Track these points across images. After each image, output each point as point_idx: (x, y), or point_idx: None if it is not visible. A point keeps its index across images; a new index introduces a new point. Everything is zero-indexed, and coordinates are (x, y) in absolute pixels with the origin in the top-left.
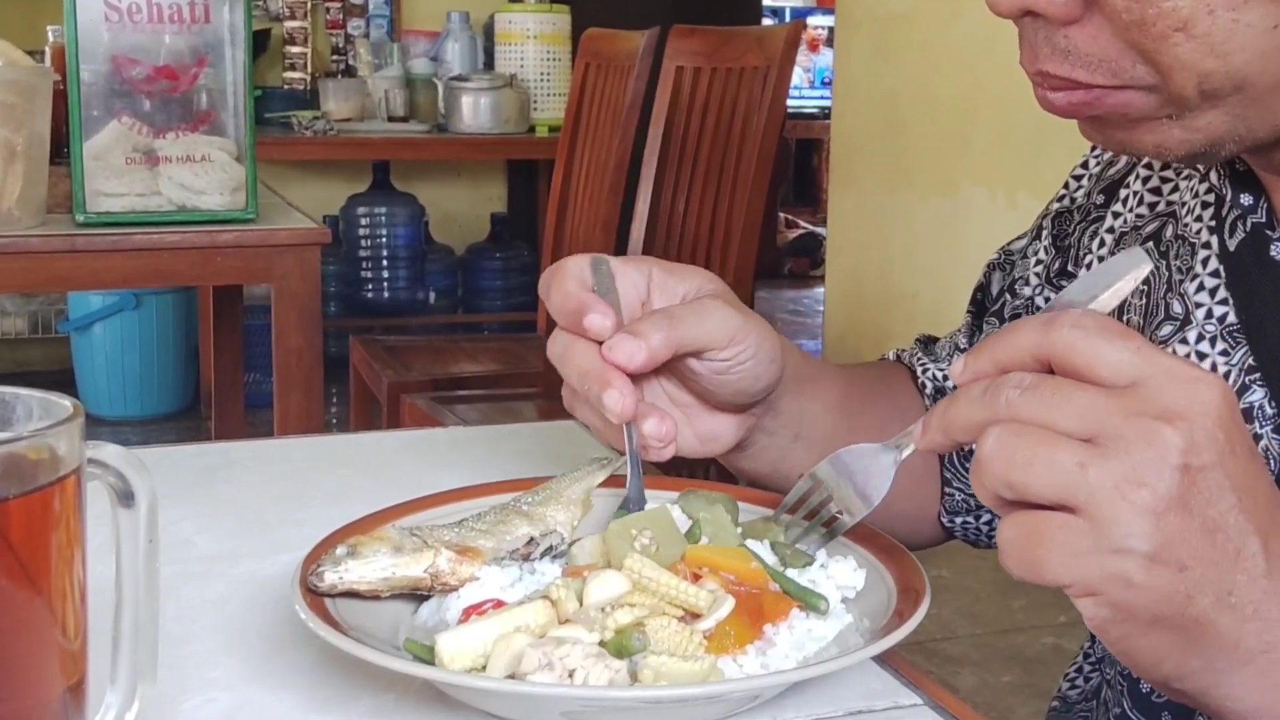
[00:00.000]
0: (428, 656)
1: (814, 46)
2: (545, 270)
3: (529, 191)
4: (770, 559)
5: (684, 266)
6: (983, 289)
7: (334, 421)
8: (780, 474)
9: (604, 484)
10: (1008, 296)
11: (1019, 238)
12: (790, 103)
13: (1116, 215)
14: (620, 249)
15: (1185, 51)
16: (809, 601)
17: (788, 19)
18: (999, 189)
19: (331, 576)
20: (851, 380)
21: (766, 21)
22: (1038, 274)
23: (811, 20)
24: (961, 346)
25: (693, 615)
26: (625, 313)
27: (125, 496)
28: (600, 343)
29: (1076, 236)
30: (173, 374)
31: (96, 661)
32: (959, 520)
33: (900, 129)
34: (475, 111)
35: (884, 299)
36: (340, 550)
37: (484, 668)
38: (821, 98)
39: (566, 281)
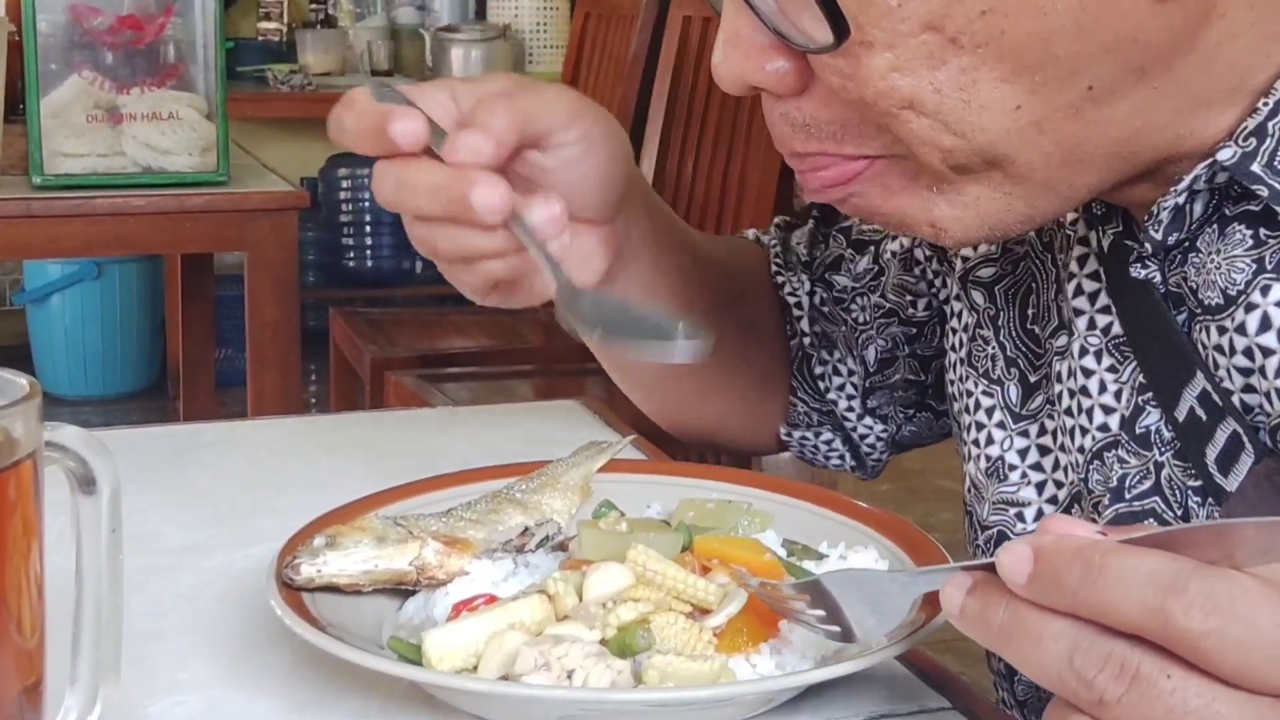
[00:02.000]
0: (414, 656)
1: None
2: (330, 115)
3: None
4: (782, 551)
5: (482, 75)
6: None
7: (313, 401)
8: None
9: (605, 469)
10: (873, 248)
11: None
12: None
13: None
14: None
15: (920, 128)
16: None
17: None
18: None
19: (308, 569)
20: (711, 258)
21: None
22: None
23: None
24: (802, 258)
25: (702, 611)
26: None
27: (86, 482)
28: (426, 155)
29: None
30: (137, 350)
31: (55, 661)
32: (797, 435)
33: None
34: (466, 65)
35: None
36: (318, 541)
37: (475, 668)
38: None
39: (356, 103)
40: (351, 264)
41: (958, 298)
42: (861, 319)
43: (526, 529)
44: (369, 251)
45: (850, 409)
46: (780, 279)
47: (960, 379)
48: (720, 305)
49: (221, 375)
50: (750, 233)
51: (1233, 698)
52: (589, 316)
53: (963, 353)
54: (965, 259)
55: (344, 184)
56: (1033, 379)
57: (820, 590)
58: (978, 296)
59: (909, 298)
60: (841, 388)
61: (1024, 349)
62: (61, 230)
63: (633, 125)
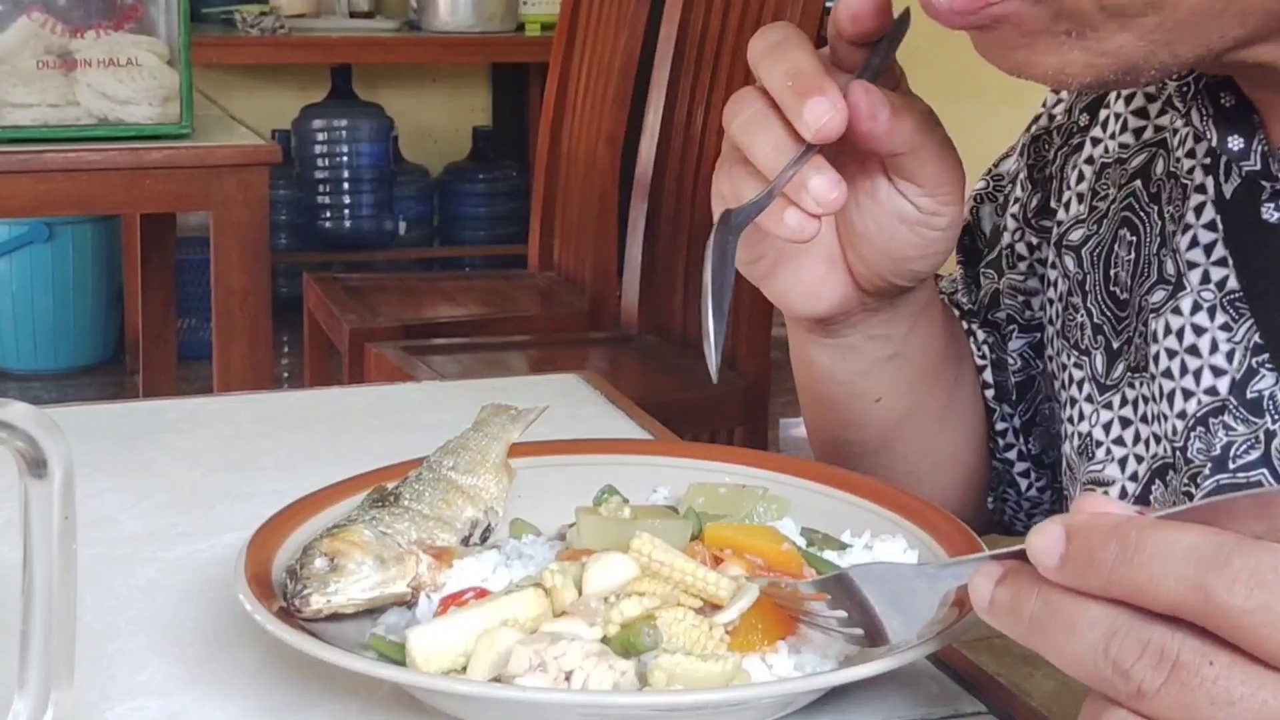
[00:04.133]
0: (397, 656)
1: None
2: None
3: (517, 101)
4: (801, 540)
5: (918, 96)
6: (971, 229)
7: (285, 376)
8: (854, 390)
9: (606, 449)
10: (1003, 239)
11: (1006, 154)
12: None
13: (1096, 142)
14: (627, 167)
15: None
16: None
17: None
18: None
19: (318, 600)
20: (949, 311)
21: None
22: (1015, 215)
23: None
24: (964, 307)
25: (713, 606)
26: None
27: (36, 465)
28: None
29: (1057, 165)
30: (92, 319)
31: (2, 662)
32: (1000, 490)
33: None
34: (453, 5)
35: None
36: (319, 564)
37: (464, 669)
38: None
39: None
40: (328, 225)
41: (1053, 265)
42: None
43: (475, 523)
44: (347, 211)
45: (1024, 471)
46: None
47: (1056, 353)
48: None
49: (184, 347)
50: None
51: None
52: (723, 254)
53: (1058, 324)
54: (1060, 222)
55: (319, 137)
56: (1115, 345)
57: (842, 587)
58: (1069, 262)
59: (1020, 298)
60: (1007, 440)
61: (1109, 314)
62: (8, 188)
63: (637, 72)
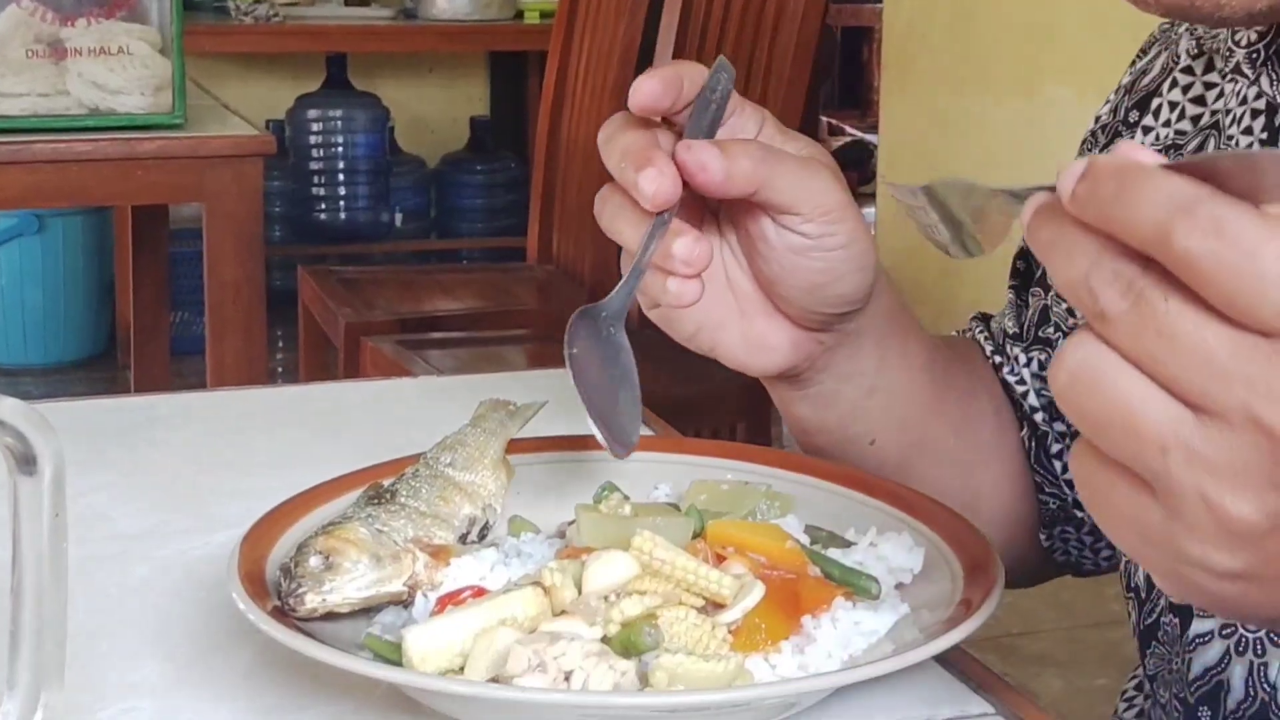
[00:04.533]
0: (393, 656)
1: None
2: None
3: (516, 91)
4: (804, 538)
5: (795, 134)
6: (1025, 254)
7: (280, 370)
8: (846, 435)
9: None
10: None
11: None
12: None
13: (1148, 130)
14: None
15: None
16: (857, 587)
17: None
18: (1089, 89)
19: (314, 600)
20: (935, 342)
21: None
22: None
23: None
24: (1010, 331)
25: (715, 605)
26: None
27: (25, 461)
28: (657, 125)
29: None
30: (83, 313)
31: None
32: (1056, 532)
33: (970, 15)
34: None
35: None
36: (314, 563)
37: (461, 669)
38: None
39: (667, 68)
40: (323, 216)
41: None
42: None
43: (473, 521)
44: (342, 202)
45: None
46: (998, 360)
47: None
48: (960, 406)
49: (177, 342)
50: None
51: (1223, 331)
52: (591, 350)
53: None
54: None
55: (314, 127)
56: None
57: (924, 198)
58: None
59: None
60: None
61: None
62: None
63: (638, 61)
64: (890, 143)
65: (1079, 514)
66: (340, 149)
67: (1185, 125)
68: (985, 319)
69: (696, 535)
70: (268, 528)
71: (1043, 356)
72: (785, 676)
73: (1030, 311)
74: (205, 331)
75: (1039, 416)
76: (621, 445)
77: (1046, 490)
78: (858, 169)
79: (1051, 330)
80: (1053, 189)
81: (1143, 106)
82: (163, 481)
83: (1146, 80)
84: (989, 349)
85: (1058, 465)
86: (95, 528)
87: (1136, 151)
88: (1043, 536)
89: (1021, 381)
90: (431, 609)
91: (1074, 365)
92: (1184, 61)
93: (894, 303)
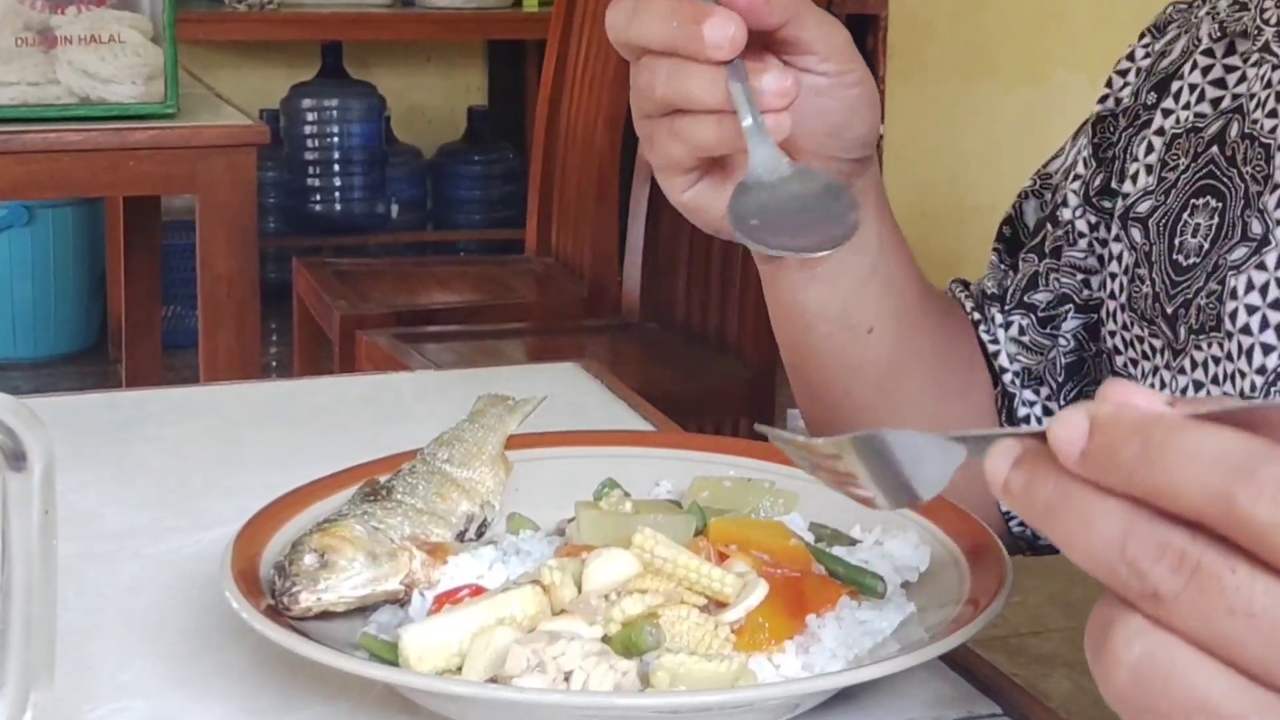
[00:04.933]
0: (389, 655)
1: None
2: None
3: (514, 80)
4: (809, 536)
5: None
6: (1012, 221)
7: (274, 364)
8: (848, 323)
9: (607, 441)
10: (1049, 227)
11: (1055, 156)
12: None
13: (1168, 114)
14: (628, 148)
15: None
16: (862, 585)
17: None
18: (1099, 76)
19: (308, 599)
20: (921, 278)
21: None
22: (1075, 191)
23: None
24: (989, 292)
25: (718, 604)
26: None
27: (15, 457)
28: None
29: (1122, 145)
30: (74, 306)
31: None
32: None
33: (977, 1)
34: None
35: (955, 214)
36: (309, 560)
37: (459, 670)
38: None
39: None
40: (318, 208)
41: (1116, 239)
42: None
43: (471, 518)
44: (338, 194)
45: None
46: (977, 318)
47: (1122, 327)
48: (939, 323)
49: (169, 335)
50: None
51: None
52: (756, 215)
53: (1122, 298)
54: (1126, 195)
55: (309, 116)
56: (1170, 310)
57: (853, 450)
58: (1136, 234)
59: (1080, 276)
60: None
61: (1166, 282)
62: None
63: None
64: (897, 134)
65: None
66: (335, 139)
67: (1205, 108)
68: (965, 285)
69: (698, 533)
70: (261, 525)
71: (1024, 321)
72: (789, 677)
73: (1019, 276)
74: (198, 325)
75: (1007, 378)
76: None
77: None
78: None
79: (1049, 299)
80: (1020, 435)
81: (1161, 89)
82: (155, 478)
83: (1165, 63)
84: (969, 305)
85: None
86: (86, 525)
87: (1137, 394)
88: (1011, 521)
89: (995, 342)
90: (429, 608)
91: (1136, 662)
92: (1205, 44)
93: (881, 182)
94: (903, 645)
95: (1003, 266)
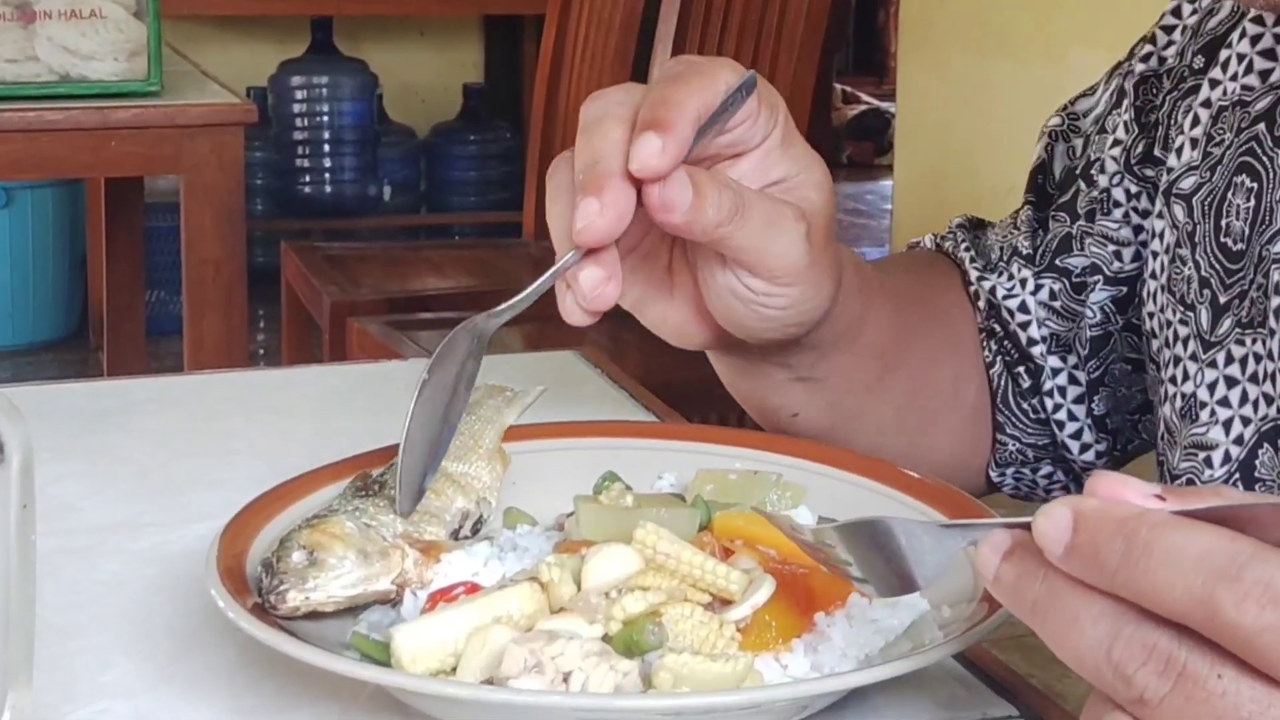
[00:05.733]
0: (381, 656)
1: None
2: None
3: (512, 56)
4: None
5: (799, 143)
6: (1044, 168)
7: (261, 352)
8: (765, 405)
9: (607, 432)
10: (1081, 185)
11: (1085, 93)
12: None
13: (1215, 84)
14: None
15: None
16: None
17: None
18: (1118, 51)
19: (295, 597)
20: (900, 308)
21: None
22: (1115, 158)
23: None
24: (1023, 251)
25: (723, 602)
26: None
27: None
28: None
29: (1166, 109)
30: (53, 292)
31: None
32: (1010, 472)
33: None
34: None
35: (969, 195)
36: (297, 558)
37: (454, 670)
38: None
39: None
40: (307, 189)
41: (1159, 215)
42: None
43: (466, 515)
44: (328, 175)
45: (1077, 432)
46: (986, 284)
47: (1160, 309)
48: (908, 384)
49: (152, 322)
50: (927, 239)
51: None
52: (445, 365)
53: (1163, 278)
54: (1170, 169)
55: (298, 95)
56: (1223, 299)
57: (847, 536)
58: (1179, 211)
59: (1112, 248)
60: (1064, 399)
61: (1218, 266)
62: None
63: (641, 26)
64: (908, 111)
65: (1073, 443)
66: (326, 118)
67: (1253, 80)
68: (973, 227)
69: (703, 528)
70: (248, 520)
71: (1055, 286)
72: (797, 677)
73: (1049, 236)
74: (182, 311)
75: (1037, 350)
76: (406, 503)
77: (1008, 431)
78: (874, 139)
79: (1082, 265)
80: (1012, 525)
81: (1210, 53)
82: (137, 470)
83: (1214, 22)
84: (974, 273)
85: (1049, 404)
86: (65, 519)
87: (1124, 488)
88: (992, 473)
89: (1024, 309)
90: (422, 606)
91: None
92: (1254, 11)
93: (849, 310)
94: (915, 644)
95: (1035, 220)
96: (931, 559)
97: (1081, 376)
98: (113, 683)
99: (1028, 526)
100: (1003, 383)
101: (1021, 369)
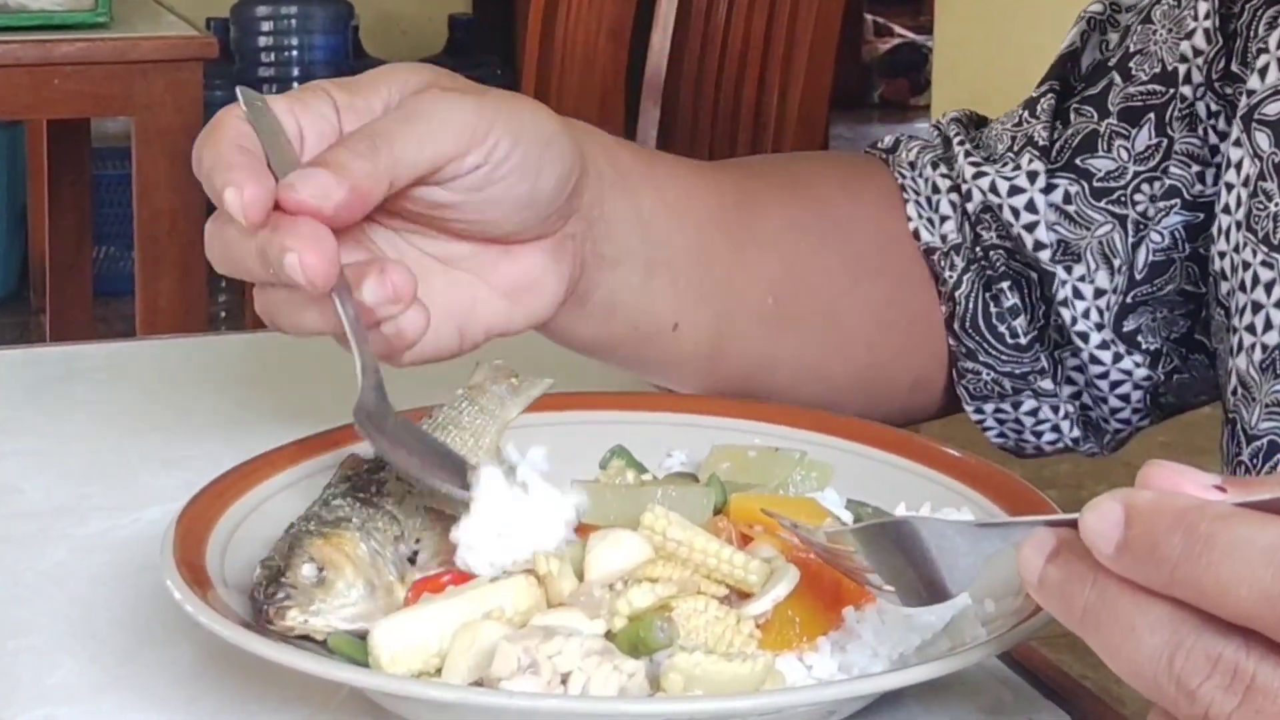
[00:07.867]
0: (358, 654)
1: None
2: (198, 137)
3: None
4: (846, 515)
5: (372, 73)
6: (1073, 56)
7: (222, 315)
8: (645, 334)
9: (610, 405)
10: (1115, 78)
11: None
12: None
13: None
14: (636, 67)
15: None
16: None
17: None
18: None
19: (296, 616)
20: (753, 173)
21: None
22: (1199, 68)
23: None
24: (1039, 141)
25: (740, 595)
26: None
27: None
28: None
29: (1245, 20)
30: None
31: None
32: (990, 410)
33: None
34: None
35: None
36: (306, 572)
37: (439, 671)
38: None
39: (221, 143)
40: None
41: (1237, 143)
42: (1143, 210)
43: None
44: None
45: (1102, 344)
46: (984, 179)
47: (1235, 248)
48: (802, 274)
49: (101, 281)
50: (886, 141)
51: None
52: (388, 432)
53: (1239, 214)
54: (1251, 92)
55: (264, 26)
56: None
57: (868, 540)
58: (1262, 139)
59: (1195, 168)
60: (1087, 314)
61: None
62: None
63: None
64: (946, 45)
65: (1096, 367)
66: (295, 53)
67: None
68: (969, 123)
69: (718, 511)
70: (208, 504)
71: (1073, 189)
72: (823, 679)
73: (1069, 131)
74: (134, 270)
75: (1044, 255)
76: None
77: (980, 359)
78: (909, 76)
79: (1102, 163)
80: (1056, 523)
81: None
82: (84, 448)
83: None
84: (969, 169)
85: (1065, 314)
86: (4, 502)
87: (1183, 479)
88: (970, 412)
89: (1031, 208)
90: (404, 597)
91: None
92: None
93: (621, 151)
94: (955, 643)
95: (1055, 111)
96: (965, 563)
97: (1111, 299)
98: (58, 685)
99: (1074, 524)
100: (972, 304)
101: (1006, 284)
